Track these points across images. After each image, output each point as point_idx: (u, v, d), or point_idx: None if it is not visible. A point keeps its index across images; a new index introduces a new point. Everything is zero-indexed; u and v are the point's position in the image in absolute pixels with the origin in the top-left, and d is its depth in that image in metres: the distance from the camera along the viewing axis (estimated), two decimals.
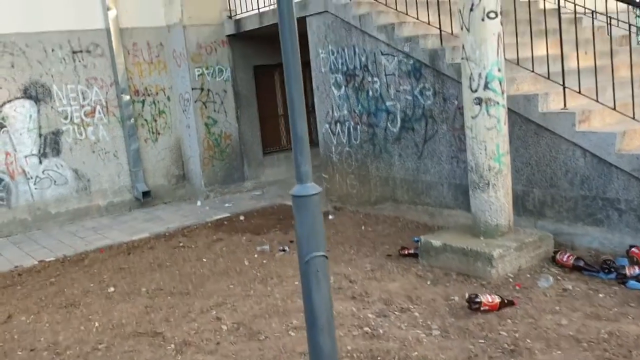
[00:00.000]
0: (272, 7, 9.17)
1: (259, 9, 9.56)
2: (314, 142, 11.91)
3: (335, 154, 8.41)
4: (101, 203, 9.81)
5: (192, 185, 10.57)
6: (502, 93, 5.34)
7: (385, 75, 7.35)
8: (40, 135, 9.18)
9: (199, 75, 10.11)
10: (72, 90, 9.42)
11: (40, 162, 9.20)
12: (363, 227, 7.45)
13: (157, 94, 10.30)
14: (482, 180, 5.43)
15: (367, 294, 5.17)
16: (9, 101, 8.89)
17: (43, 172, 9.23)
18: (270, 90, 11.34)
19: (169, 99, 10.43)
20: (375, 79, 7.49)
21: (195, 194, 10.52)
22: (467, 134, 5.49)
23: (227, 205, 9.74)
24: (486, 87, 5.27)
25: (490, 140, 5.34)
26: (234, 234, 7.78)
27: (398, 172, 7.46)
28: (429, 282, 5.36)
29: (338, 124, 8.23)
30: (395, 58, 7.16)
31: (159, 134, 10.37)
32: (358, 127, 7.91)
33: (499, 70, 5.30)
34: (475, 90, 5.30)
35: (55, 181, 9.34)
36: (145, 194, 9.99)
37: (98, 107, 9.68)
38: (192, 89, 10.05)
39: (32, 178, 9.13)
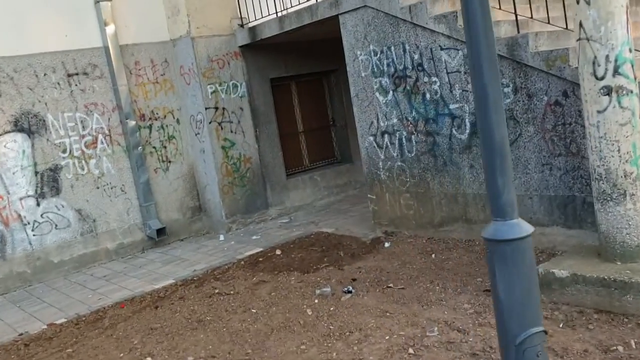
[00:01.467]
0: (296, 7, 8.05)
1: (277, 12, 8.45)
2: (347, 159, 10.83)
3: (383, 171, 7.26)
4: (110, 246, 8.53)
5: (210, 217, 9.33)
6: (635, 79, 4.23)
7: (447, 73, 6.23)
8: (37, 173, 7.92)
9: (212, 93, 8.93)
10: (70, 119, 8.19)
11: (38, 204, 7.93)
12: (434, 255, 6.27)
13: (164, 117, 9.10)
14: (615, 189, 4.30)
15: (492, 348, 3.98)
16: None
17: (42, 215, 7.96)
18: (288, 105, 10.20)
19: (178, 122, 9.23)
20: (434, 78, 6.37)
21: (214, 227, 9.29)
22: (591, 133, 4.36)
23: (254, 237, 8.52)
24: (616, 72, 4.17)
25: (624, 138, 4.23)
26: (278, 273, 6.56)
27: (469, 186, 6.32)
28: (562, 325, 4.19)
29: (386, 136, 7.09)
30: (460, 52, 6.06)
31: (169, 162, 9.15)
32: (413, 137, 6.77)
33: (630, 50, 4.19)
34: (602, 78, 4.19)
35: (56, 225, 8.06)
36: (160, 231, 8.74)
37: (100, 136, 8.46)
38: (206, 108, 8.87)
39: (29, 223, 7.85)
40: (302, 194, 9.97)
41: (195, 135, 9.17)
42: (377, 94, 7.05)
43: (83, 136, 8.30)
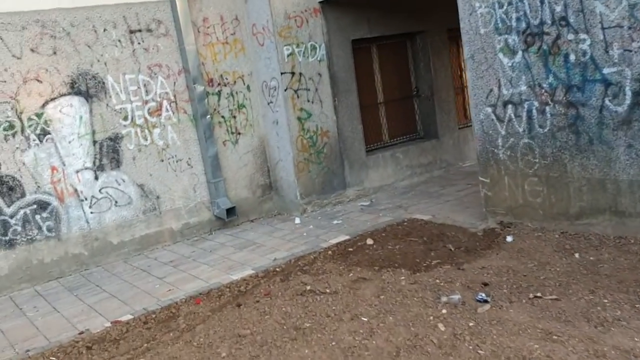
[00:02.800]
0: None
1: None
2: (432, 135, 9.64)
3: (503, 149, 6.06)
4: (174, 226, 7.60)
5: (282, 197, 8.30)
6: None
7: (603, 28, 4.97)
8: (95, 143, 6.99)
9: (288, 55, 7.82)
10: (132, 82, 7.21)
11: (96, 178, 7.02)
12: (577, 255, 5.09)
13: (234, 82, 8.05)
14: None
15: None
16: (53, 99, 6.72)
17: (100, 190, 7.05)
18: (368, 71, 9.02)
19: (248, 88, 8.17)
20: (583, 35, 5.11)
21: (286, 207, 8.26)
22: None
23: (335, 222, 7.45)
24: None
25: None
26: (379, 269, 5.48)
27: (624, 170, 5.09)
28: None
29: (509, 107, 5.87)
30: (624, 1, 4.77)
31: (239, 134, 8.13)
32: (547, 108, 5.55)
33: None
34: None
35: (116, 202, 7.15)
36: (230, 211, 7.75)
37: (165, 103, 7.47)
38: (282, 73, 7.77)
39: (86, 199, 6.95)
40: (382, 173, 8.84)
41: (268, 104, 8.10)
42: (500, 55, 5.83)
43: (146, 102, 7.32)
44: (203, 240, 7.52)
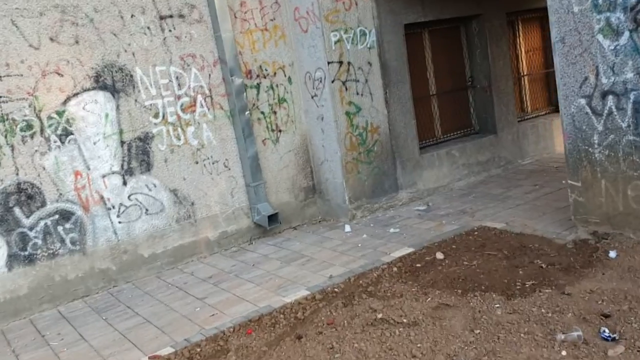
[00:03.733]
0: None
1: None
2: (490, 130, 8.73)
3: (599, 148, 5.16)
4: (211, 235, 6.80)
5: (327, 200, 7.47)
6: None
7: None
8: (123, 144, 6.21)
9: (336, 42, 6.97)
10: (163, 75, 6.41)
11: (125, 183, 6.24)
12: None
13: (274, 74, 7.22)
14: None
15: None
16: (75, 95, 5.95)
17: (129, 197, 6.27)
18: (420, 60, 8.14)
19: (290, 80, 7.33)
20: None
21: (332, 212, 7.42)
22: None
23: (392, 230, 6.60)
24: None
25: None
26: (463, 293, 4.62)
27: None
28: None
29: (610, 98, 4.97)
30: None
31: (280, 131, 7.30)
32: None
33: None
34: None
35: (146, 209, 6.37)
36: (271, 218, 6.94)
37: (199, 97, 6.66)
38: (329, 62, 6.92)
39: (114, 207, 6.18)
40: (437, 173, 7.97)
41: (312, 97, 7.25)
42: (599, 36, 4.92)
43: (179, 97, 6.52)
44: (243, 252, 6.71)
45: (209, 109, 6.73)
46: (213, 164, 6.79)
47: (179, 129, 6.53)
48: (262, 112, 7.13)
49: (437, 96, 8.37)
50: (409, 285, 4.94)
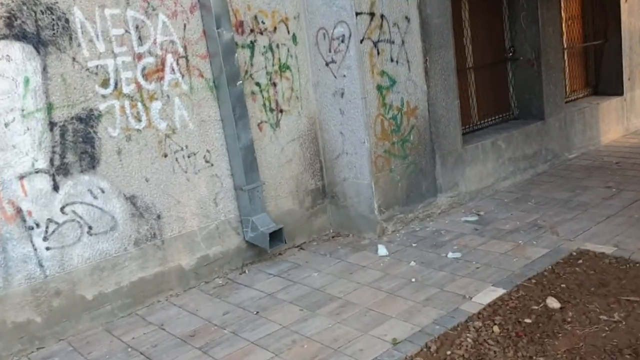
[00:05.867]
0: None
1: None
2: (535, 114, 6.88)
3: None
4: (185, 263, 4.64)
5: (344, 208, 5.44)
6: None
7: None
8: (53, 126, 3.95)
9: None
10: (116, 21, 4.17)
11: (56, 188, 3.98)
12: None
13: (274, 29, 5.08)
14: None
15: None
16: None
17: (63, 209, 4.02)
18: (457, 23, 6.17)
19: (294, 39, 5.22)
20: None
21: (351, 225, 5.41)
22: None
23: (451, 255, 4.66)
24: None
25: None
26: None
27: None
28: None
29: None
30: None
31: (281, 111, 5.19)
32: None
33: None
34: None
35: (90, 227, 4.14)
36: (274, 236, 4.83)
37: (170, 59, 4.46)
38: (357, 13, 4.85)
39: (38, 226, 3.93)
40: (481, 170, 6.08)
41: (326, 65, 5.18)
42: None
43: (139, 56, 4.30)
44: (233, 287, 4.59)
45: (183, 76, 4.53)
46: (189, 157, 4.62)
47: (140, 105, 4.31)
48: (258, 84, 5.00)
49: (474, 70, 6.47)
50: None
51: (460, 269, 4.38)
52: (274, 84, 5.11)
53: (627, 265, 4.09)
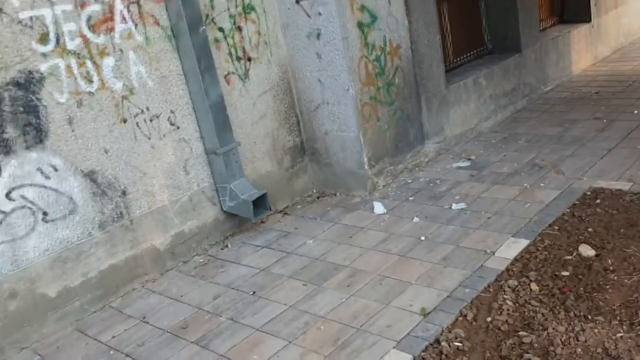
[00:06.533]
0: None
1: None
2: (510, 47, 6.45)
3: None
4: (160, 242, 4.04)
5: (327, 165, 4.92)
6: None
7: None
8: None
9: None
10: None
11: None
12: None
13: None
14: None
15: None
16: None
17: (9, 194, 3.32)
18: None
19: None
20: None
21: (339, 183, 4.91)
22: None
23: (455, 207, 4.25)
24: None
25: None
26: None
27: None
28: None
29: None
30: None
31: (249, 59, 4.54)
32: None
33: None
34: None
35: (44, 213, 3.47)
36: (257, 203, 4.27)
37: (118, 4, 3.72)
38: None
39: None
40: (464, 111, 5.66)
41: (296, 2, 4.54)
42: None
43: (82, 3, 3.55)
44: (217, 264, 4.04)
45: (136, 25, 3.81)
46: (151, 120, 3.95)
47: (89, 64, 3.59)
48: (221, 29, 4.32)
49: (447, 2, 5.96)
50: (593, 320, 2.64)
51: (470, 221, 3.97)
52: (239, 29, 4.45)
53: None
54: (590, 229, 3.58)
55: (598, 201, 3.93)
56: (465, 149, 5.42)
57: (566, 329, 2.71)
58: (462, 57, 6.18)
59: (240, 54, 4.47)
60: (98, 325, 3.54)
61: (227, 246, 4.30)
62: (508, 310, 2.93)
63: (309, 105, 4.81)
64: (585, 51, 7.50)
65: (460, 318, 2.95)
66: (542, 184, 4.34)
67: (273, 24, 4.67)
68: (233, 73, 4.43)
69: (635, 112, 5.53)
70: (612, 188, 4.06)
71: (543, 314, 2.85)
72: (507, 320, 2.86)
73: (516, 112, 6.24)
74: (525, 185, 4.38)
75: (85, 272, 3.67)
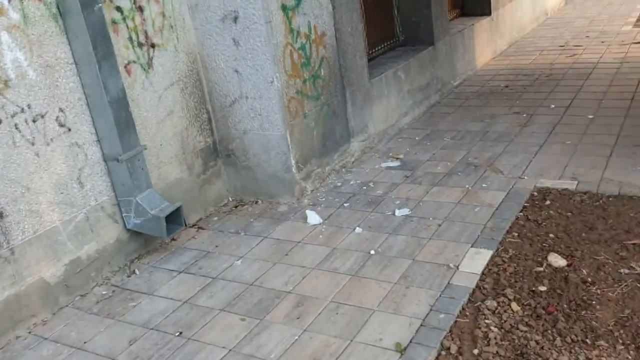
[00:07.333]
0: None
1: None
2: (422, 39, 6.16)
3: None
4: (48, 275, 3.21)
5: (246, 169, 4.30)
6: None
7: None
8: None
9: None
10: None
11: None
12: None
13: None
14: None
15: None
16: None
17: None
18: None
19: None
20: None
21: (259, 189, 4.30)
22: None
23: (399, 213, 3.82)
24: None
25: None
26: None
27: None
28: None
29: None
30: None
31: (152, 46, 3.79)
32: None
33: None
34: None
35: None
36: (169, 217, 3.56)
37: None
38: None
39: None
40: (386, 106, 5.29)
41: None
42: None
43: None
44: (127, 297, 3.28)
45: (9, 0, 2.96)
46: (34, 121, 3.10)
47: None
48: (119, 9, 3.54)
49: None
50: (595, 346, 2.33)
51: (419, 229, 3.57)
52: (140, 9, 3.68)
53: (601, 201, 3.62)
54: (551, 235, 3.31)
55: (548, 202, 3.69)
56: (390, 147, 5.04)
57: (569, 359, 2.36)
58: (376, 49, 5.79)
59: (142, 39, 3.70)
60: None
61: (134, 272, 3.54)
62: (495, 338, 2.54)
63: (223, 100, 4.15)
64: (486, 45, 7.47)
65: (443, 352, 2.51)
66: (484, 185, 4.05)
67: (179, 4, 3.95)
68: (134, 62, 3.66)
69: (552, 106, 5.48)
70: (559, 188, 3.85)
71: (537, 342, 2.49)
72: (497, 352, 2.47)
73: (431, 107, 5.99)
74: (466, 186, 4.06)
75: None
